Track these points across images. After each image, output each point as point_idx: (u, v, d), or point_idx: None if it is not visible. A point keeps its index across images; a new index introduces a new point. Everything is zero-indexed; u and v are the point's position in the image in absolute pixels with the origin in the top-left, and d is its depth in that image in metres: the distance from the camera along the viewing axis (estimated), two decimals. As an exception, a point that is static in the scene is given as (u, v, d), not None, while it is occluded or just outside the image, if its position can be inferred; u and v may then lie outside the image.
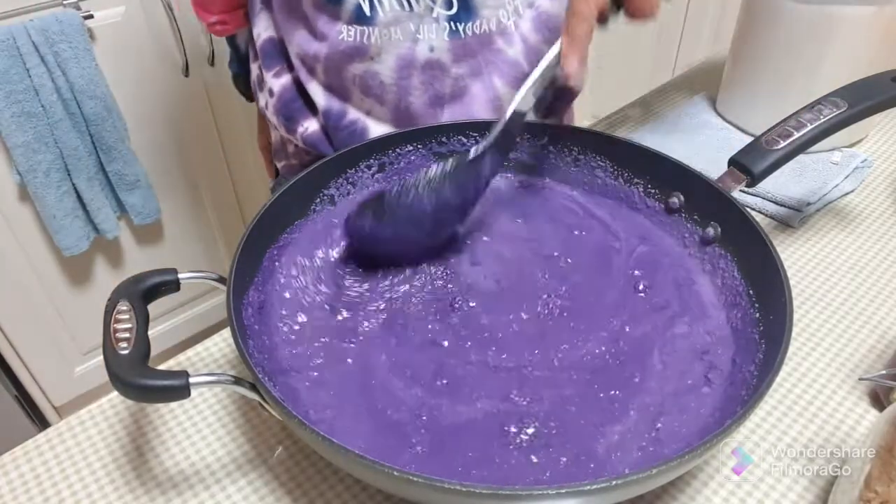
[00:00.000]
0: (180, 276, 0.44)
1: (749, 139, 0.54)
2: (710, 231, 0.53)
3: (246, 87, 0.80)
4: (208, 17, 0.73)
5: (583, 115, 1.95)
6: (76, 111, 1.12)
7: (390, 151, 0.59)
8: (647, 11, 0.49)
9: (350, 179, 0.58)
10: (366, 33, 0.59)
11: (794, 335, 0.46)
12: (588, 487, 0.33)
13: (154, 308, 0.43)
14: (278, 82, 0.67)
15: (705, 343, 0.47)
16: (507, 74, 0.63)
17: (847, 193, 0.68)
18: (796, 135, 0.52)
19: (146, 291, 0.43)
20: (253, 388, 0.39)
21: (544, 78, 0.51)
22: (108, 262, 1.33)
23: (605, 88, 1.93)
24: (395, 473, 0.33)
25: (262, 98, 0.71)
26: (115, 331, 0.39)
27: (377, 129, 0.64)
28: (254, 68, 0.72)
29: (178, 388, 0.37)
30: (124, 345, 0.38)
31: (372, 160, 0.58)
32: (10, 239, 1.18)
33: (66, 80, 1.09)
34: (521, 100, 0.52)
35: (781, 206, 0.66)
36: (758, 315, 0.47)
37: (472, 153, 0.52)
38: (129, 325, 0.39)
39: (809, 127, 0.52)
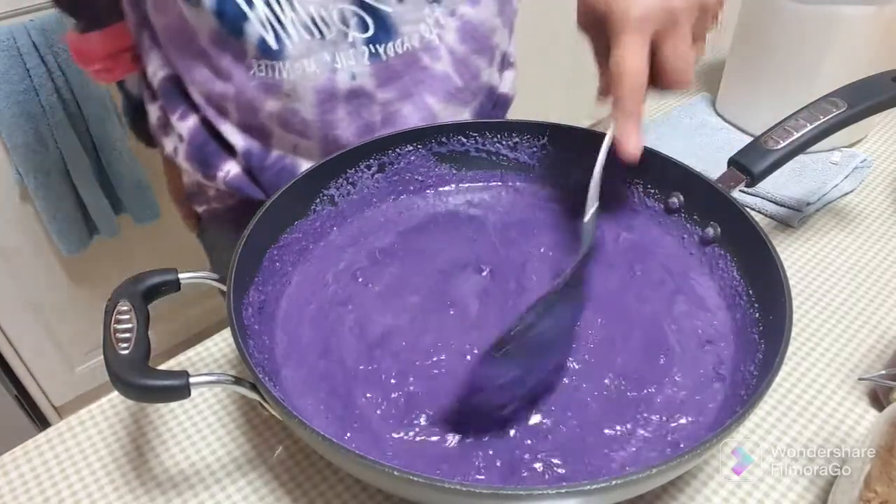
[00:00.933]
0: (180, 276, 0.44)
1: (749, 139, 0.54)
2: (710, 231, 0.53)
3: (147, 133, 0.73)
4: (89, 65, 0.66)
5: (583, 115, 1.96)
6: (76, 111, 1.12)
7: (390, 151, 0.59)
8: (681, 84, 0.47)
9: (350, 179, 0.58)
10: (276, 68, 0.54)
11: (793, 335, 0.46)
12: (588, 487, 0.33)
13: (154, 308, 0.43)
14: (185, 125, 0.61)
15: (710, 334, 0.48)
16: (440, 90, 0.60)
17: (847, 193, 0.68)
18: (796, 135, 0.52)
19: (146, 291, 0.43)
20: (253, 388, 0.39)
21: (602, 172, 0.48)
22: (108, 262, 1.33)
23: (605, 88, 1.93)
24: (395, 473, 0.33)
25: (170, 143, 0.64)
26: (116, 331, 0.39)
27: (307, 164, 0.59)
28: (153, 111, 0.65)
29: (178, 388, 0.37)
30: (124, 345, 0.38)
31: (372, 160, 0.58)
32: (10, 239, 1.18)
33: (66, 80, 1.09)
34: (592, 212, 0.48)
35: (781, 206, 0.66)
36: (758, 315, 0.47)
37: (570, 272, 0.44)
38: (129, 325, 0.39)
39: (809, 127, 0.52)
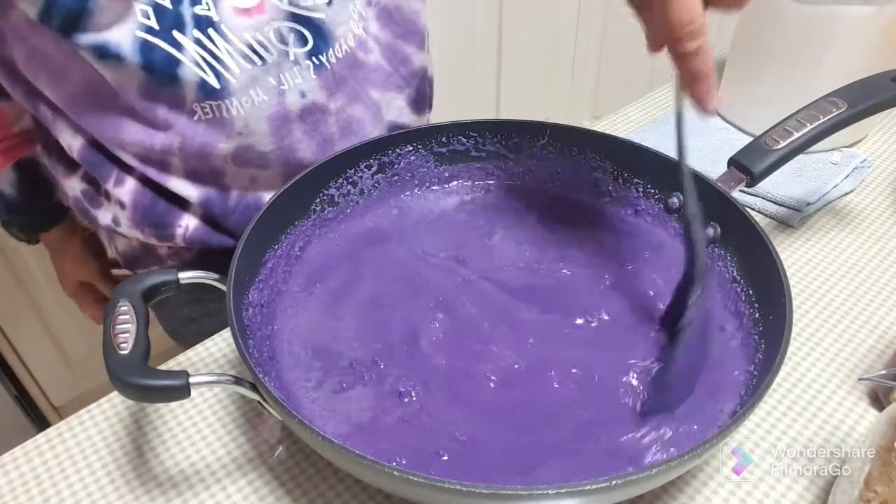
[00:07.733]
0: (180, 275, 0.44)
1: (749, 139, 0.54)
2: (710, 231, 0.53)
3: (28, 231, 0.69)
4: None
5: (583, 115, 1.96)
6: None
7: (390, 151, 0.59)
8: (732, 1, 0.43)
9: (350, 179, 0.58)
10: (223, 107, 0.51)
11: (793, 335, 0.46)
12: (588, 487, 0.33)
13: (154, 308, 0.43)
14: (124, 190, 0.56)
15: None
16: (378, 82, 0.59)
17: (847, 193, 0.68)
18: (796, 135, 0.52)
19: (146, 291, 0.43)
20: (253, 388, 0.39)
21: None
22: (108, 262, 1.33)
23: (605, 88, 1.93)
24: (395, 473, 0.34)
25: (106, 214, 0.59)
26: (116, 331, 0.39)
27: (269, 195, 0.56)
28: (72, 185, 0.60)
29: (178, 388, 0.37)
30: (124, 345, 0.38)
31: (372, 160, 0.58)
32: (10, 239, 1.17)
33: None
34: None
35: (781, 206, 0.66)
36: (757, 315, 0.47)
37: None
38: (129, 325, 0.39)
39: (809, 127, 0.52)
